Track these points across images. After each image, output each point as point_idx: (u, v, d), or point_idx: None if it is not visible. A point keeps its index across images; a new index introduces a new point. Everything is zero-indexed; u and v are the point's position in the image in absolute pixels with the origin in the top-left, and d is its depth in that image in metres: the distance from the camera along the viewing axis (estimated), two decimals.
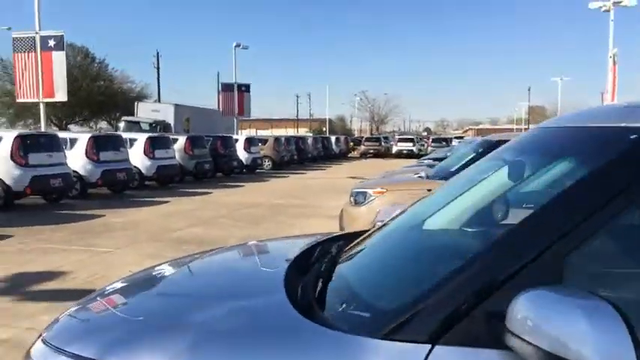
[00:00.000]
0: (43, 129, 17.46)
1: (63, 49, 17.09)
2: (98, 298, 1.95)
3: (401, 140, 41.15)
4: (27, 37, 17.01)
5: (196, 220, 10.05)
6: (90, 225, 9.46)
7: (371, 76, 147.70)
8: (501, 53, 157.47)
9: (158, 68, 52.95)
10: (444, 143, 38.83)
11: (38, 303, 5.00)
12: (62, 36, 16.95)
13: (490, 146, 8.50)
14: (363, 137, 46.37)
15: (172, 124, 31.42)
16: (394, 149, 39.77)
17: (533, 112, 79.87)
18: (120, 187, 14.39)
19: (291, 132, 68.70)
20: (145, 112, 32.58)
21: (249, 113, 34.77)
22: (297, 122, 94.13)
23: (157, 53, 51.83)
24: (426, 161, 15.42)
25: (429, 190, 5.75)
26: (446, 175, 6.23)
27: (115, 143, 13.98)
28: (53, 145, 11.79)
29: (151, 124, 28.63)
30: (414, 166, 13.39)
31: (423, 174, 6.47)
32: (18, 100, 18.40)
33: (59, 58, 16.95)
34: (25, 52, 17.07)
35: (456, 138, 46.19)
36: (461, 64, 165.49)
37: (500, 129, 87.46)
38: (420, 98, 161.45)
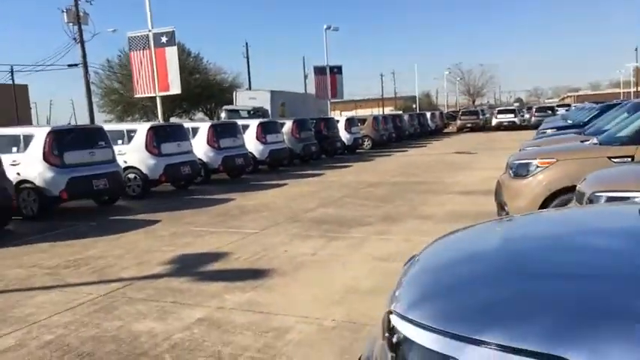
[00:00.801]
0: (160, 121, 18.42)
1: (174, 44, 17.83)
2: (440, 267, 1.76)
3: (501, 112, 39.00)
4: (141, 36, 17.92)
5: (323, 201, 10.07)
6: (225, 208, 9.79)
7: (457, 49, 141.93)
8: (596, 15, 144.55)
9: (248, 58, 54.35)
10: (550, 112, 36.32)
11: (215, 282, 5.16)
12: (173, 32, 17.67)
13: None
14: (459, 111, 44.60)
15: (269, 110, 32.12)
16: (494, 122, 37.85)
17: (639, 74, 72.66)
18: (238, 172, 14.87)
19: (376, 112, 67.84)
20: (242, 100, 33.58)
21: (342, 95, 34.60)
22: (382, 102, 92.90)
23: (246, 44, 53.07)
24: (549, 131, 14.41)
25: (611, 158, 5.25)
26: (624, 140, 5.63)
27: (233, 131, 14.40)
28: (180, 134, 12.33)
29: (249, 111, 29.43)
30: (540, 137, 12.53)
31: (594, 140, 5.90)
32: (136, 96, 19.55)
33: (172, 53, 17.72)
34: (140, 50, 18.02)
35: (560, 106, 43.04)
36: (552, 29, 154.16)
37: (604, 94, 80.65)
38: (510, 68, 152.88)
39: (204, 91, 48.38)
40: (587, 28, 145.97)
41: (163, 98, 28.77)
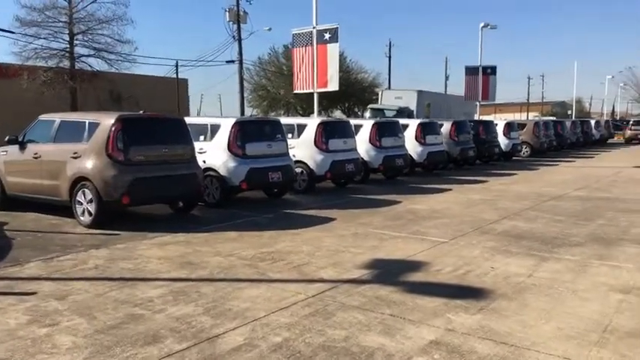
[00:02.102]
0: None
1: (336, 41, 17.82)
2: None
3: None
4: (305, 33, 18.20)
5: (504, 212, 9.13)
6: (396, 211, 9.30)
7: (625, 51, 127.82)
8: None
9: (390, 57, 53.93)
10: None
11: (429, 297, 4.63)
12: (337, 29, 17.66)
13: None
14: (627, 121, 39.72)
15: (415, 110, 31.28)
16: None
17: None
18: (395, 173, 14.39)
19: (518, 117, 63.24)
20: (388, 99, 33.15)
21: (494, 97, 32.47)
22: (527, 106, 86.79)
23: (390, 42, 52.73)
24: None
25: None
26: None
27: (395, 130, 13.92)
28: (347, 131, 12.12)
29: (396, 111, 28.87)
30: None
31: None
32: (295, 91, 19.94)
33: (333, 50, 17.73)
34: (302, 46, 18.31)
35: None
36: None
37: None
38: None
39: (346, 89, 48.86)
40: None
41: (303, 95, 29.50)
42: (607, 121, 39.27)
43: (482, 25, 30.07)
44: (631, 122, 37.64)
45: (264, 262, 5.85)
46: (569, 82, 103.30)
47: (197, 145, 9.19)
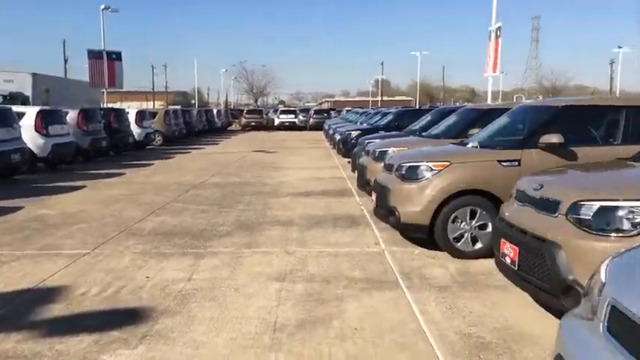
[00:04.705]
0: None
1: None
2: None
3: (283, 112, 40.56)
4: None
5: (149, 207, 8.53)
6: (17, 220, 7.45)
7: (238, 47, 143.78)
8: (353, 28, 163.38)
9: None
10: (325, 115, 39.28)
11: (75, 337, 3.61)
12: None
13: (480, 115, 8.43)
14: (244, 110, 44.70)
15: (30, 96, 27.14)
16: (276, 121, 39.10)
17: (382, 85, 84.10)
18: (10, 172, 11.80)
19: (145, 105, 63.73)
20: None
21: (122, 84, 31.20)
22: (153, 95, 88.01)
23: None
24: (353, 133, 15.12)
25: (500, 162, 5.38)
26: (494, 144, 5.88)
27: (6, 119, 11.32)
28: None
29: (5, 97, 24.35)
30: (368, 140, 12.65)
31: (475, 142, 6.01)
32: None
33: None
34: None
35: (331, 110, 46.60)
36: (314, 38, 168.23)
37: (354, 101, 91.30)
38: (277, 72, 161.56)
39: None
40: (342, 38, 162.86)
41: None
42: (226, 110, 43.38)
43: (103, 7, 28.23)
44: (245, 111, 42.68)
45: None
46: (190, 72, 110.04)
47: None
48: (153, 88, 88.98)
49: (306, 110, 44.12)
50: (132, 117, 19.79)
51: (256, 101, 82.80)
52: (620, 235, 3.11)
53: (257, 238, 6.49)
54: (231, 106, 70.80)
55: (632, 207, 3.08)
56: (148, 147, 21.74)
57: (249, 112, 42.08)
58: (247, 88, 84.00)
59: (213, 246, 6.09)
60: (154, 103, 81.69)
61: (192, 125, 28.28)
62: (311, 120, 38.89)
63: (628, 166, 4.04)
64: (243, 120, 40.06)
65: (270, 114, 43.24)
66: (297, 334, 3.68)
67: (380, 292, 4.52)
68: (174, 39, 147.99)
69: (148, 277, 4.94)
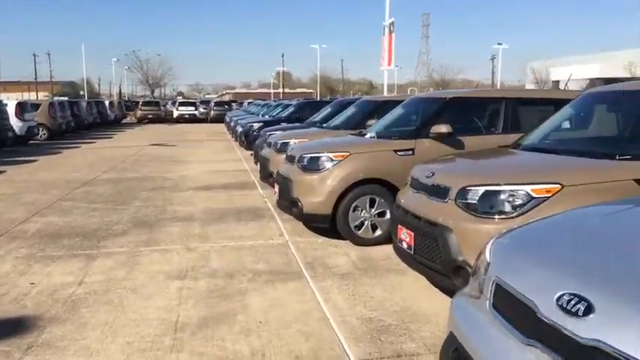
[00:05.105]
0: None
1: None
2: None
3: (182, 104, 39.10)
4: None
5: (33, 207, 7.85)
6: None
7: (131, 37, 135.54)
8: (254, 19, 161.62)
9: None
10: (227, 107, 38.55)
11: None
12: None
13: (377, 106, 8.72)
14: (139, 102, 42.41)
15: None
16: (175, 114, 37.66)
17: (283, 77, 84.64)
18: None
19: (26, 96, 58.59)
20: None
21: None
22: (36, 85, 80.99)
23: None
24: (255, 125, 14.97)
25: (396, 152, 5.59)
26: (390, 134, 6.10)
27: None
28: None
29: None
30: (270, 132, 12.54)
31: (372, 133, 6.17)
32: None
33: None
34: None
35: (232, 102, 45.87)
36: (213, 27, 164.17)
37: (255, 93, 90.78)
38: (174, 62, 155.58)
39: None
40: (243, 30, 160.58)
41: None
42: (120, 102, 41.04)
43: None
44: (141, 103, 40.64)
45: None
46: (78, 61, 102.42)
47: None
48: (35, 78, 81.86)
49: (206, 102, 42.96)
50: (11, 109, 18.01)
51: (153, 93, 78.94)
52: (502, 217, 3.36)
53: (156, 235, 6.22)
54: (126, 98, 67.15)
55: (512, 190, 3.35)
56: (32, 142, 19.99)
57: (146, 103, 40.12)
58: (142, 78, 79.66)
59: (107, 246, 5.74)
60: (37, 94, 75.22)
61: (81, 118, 26.42)
62: (212, 112, 37.95)
63: (508, 153, 4.38)
64: (139, 112, 38.10)
65: (168, 106, 41.66)
66: (200, 332, 3.58)
67: (284, 283, 4.53)
68: (59, 24, 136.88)
69: (32, 284, 4.54)
